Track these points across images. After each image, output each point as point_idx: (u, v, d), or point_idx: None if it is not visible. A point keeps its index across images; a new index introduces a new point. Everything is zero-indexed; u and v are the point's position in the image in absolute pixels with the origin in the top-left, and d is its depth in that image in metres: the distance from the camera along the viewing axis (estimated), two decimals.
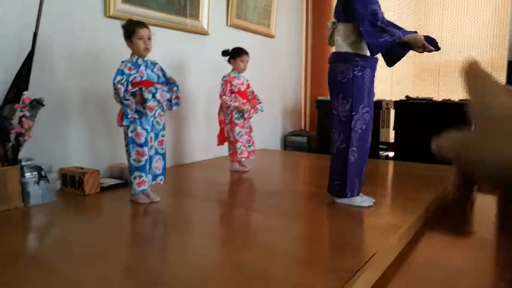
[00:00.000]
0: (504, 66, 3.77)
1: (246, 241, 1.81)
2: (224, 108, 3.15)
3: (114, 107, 2.30)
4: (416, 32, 2.13)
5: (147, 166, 2.25)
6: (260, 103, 3.23)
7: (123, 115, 2.20)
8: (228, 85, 3.10)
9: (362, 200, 2.26)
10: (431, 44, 2.11)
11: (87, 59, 2.70)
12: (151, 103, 2.16)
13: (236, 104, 3.08)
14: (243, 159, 3.17)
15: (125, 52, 2.28)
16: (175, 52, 3.36)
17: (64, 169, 2.54)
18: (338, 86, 2.22)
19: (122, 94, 2.11)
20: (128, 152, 2.24)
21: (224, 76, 3.13)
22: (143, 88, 2.15)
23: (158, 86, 2.24)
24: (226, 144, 3.21)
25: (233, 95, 3.09)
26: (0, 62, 2.20)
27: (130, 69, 2.19)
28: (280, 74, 4.79)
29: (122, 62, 2.22)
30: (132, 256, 1.65)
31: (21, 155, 2.22)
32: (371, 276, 1.51)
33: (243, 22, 4.05)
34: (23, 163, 2.21)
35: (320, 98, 4.67)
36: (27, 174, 2.21)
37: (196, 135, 3.66)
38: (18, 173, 2.16)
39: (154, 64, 2.32)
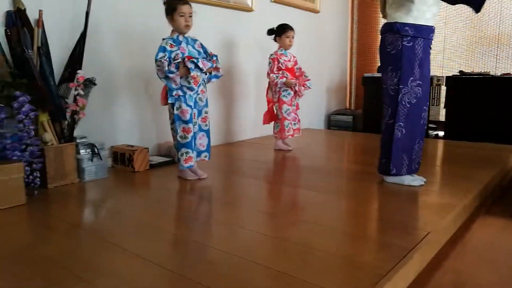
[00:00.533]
0: None
1: (293, 217, 1.80)
2: (272, 86, 3.12)
3: (160, 85, 2.33)
4: None
5: (193, 143, 2.28)
6: (309, 80, 3.17)
7: (166, 94, 2.23)
8: (276, 62, 3.07)
9: (413, 179, 2.17)
10: None
11: (134, 38, 2.75)
12: (194, 73, 2.17)
13: (284, 80, 3.05)
14: (290, 136, 3.16)
15: (170, 30, 2.30)
16: (219, 29, 3.35)
17: (115, 147, 2.63)
18: (388, 58, 2.12)
19: (166, 68, 2.12)
20: (174, 129, 2.28)
21: (271, 54, 3.10)
22: (186, 59, 2.17)
23: (198, 57, 2.26)
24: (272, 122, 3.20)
25: (280, 72, 3.07)
26: (56, 42, 2.29)
27: (171, 46, 2.20)
28: (325, 51, 4.67)
29: (163, 39, 2.23)
30: (181, 230, 1.68)
31: (75, 133, 2.32)
32: (425, 255, 1.46)
33: None
34: (78, 141, 2.31)
35: (366, 74, 4.51)
36: (82, 151, 2.30)
37: (246, 113, 3.67)
38: (74, 150, 2.26)
39: (195, 40, 2.32)
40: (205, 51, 2.33)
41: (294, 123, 3.17)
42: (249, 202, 2.03)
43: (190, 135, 2.24)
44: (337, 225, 1.69)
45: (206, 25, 3.04)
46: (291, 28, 3.09)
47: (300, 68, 3.20)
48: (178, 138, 2.26)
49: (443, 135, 4.03)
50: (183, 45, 2.24)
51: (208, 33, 2.94)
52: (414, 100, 2.10)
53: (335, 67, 4.92)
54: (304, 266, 1.28)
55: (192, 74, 2.17)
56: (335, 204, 1.97)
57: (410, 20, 2.05)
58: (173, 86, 2.18)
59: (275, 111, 3.16)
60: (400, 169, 2.16)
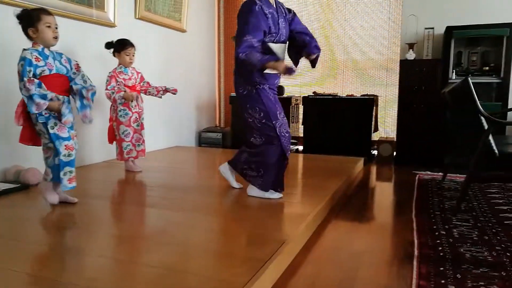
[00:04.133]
0: (397, 64, 4.14)
1: (155, 239, 1.76)
2: (112, 104, 2.95)
3: (7, 103, 2.07)
4: (278, 59, 2.19)
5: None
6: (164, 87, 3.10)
7: (23, 112, 2.01)
8: (113, 80, 2.90)
9: (272, 193, 2.34)
10: (289, 71, 2.14)
11: None
12: (67, 118, 2.03)
13: (122, 93, 2.88)
14: (132, 158, 3.03)
15: (20, 43, 2.06)
16: (78, 44, 3.14)
17: None
18: (244, 99, 2.33)
19: (34, 92, 1.91)
20: (50, 149, 2.08)
21: (109, 72, 2.93)
22: (60, 98, 2.03)
23: (79, 102, 2.12)
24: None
25: (116, 87, 2.89)
26: None
27: (37, 59, 1.99)
28: (192, 70, 4.73)
29: (25, 49, 2.00)
30: (28, 266, 1.50)
31: None
32: (280, 264, 1.57)
33: (152, 15, 3.92)
34: None
35: (233, 94, 4.71)
36: None
37: (93, 135, 3.41)
38: None
39: (60, 54, 2.13)
40: (72, 67, 2.16)
41: (138, 144, 3.04)
42: (106, 227, 1.93)
43: (74, 152, 2.10)
44: (199, 244, 1.71)
45: (64, 40, 2.82)
46: (131, 45, 2.95)
47: (148, 83, 3.09)
48: (62, 157, 2.05)
49: (302, 149, 4.42)
50: (50, 60, 2.04)
51: (65, 48, 2.71)
52: (285, 129, 2.29)
53: (204, 86, 5.02)
54: None
55: (65, 119, 2.02)
56: (199, 222, 1.98)
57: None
58: (34, 110, 1.95)
59: (114, 131, 3.00)
60: (269, 185, 2.32)
